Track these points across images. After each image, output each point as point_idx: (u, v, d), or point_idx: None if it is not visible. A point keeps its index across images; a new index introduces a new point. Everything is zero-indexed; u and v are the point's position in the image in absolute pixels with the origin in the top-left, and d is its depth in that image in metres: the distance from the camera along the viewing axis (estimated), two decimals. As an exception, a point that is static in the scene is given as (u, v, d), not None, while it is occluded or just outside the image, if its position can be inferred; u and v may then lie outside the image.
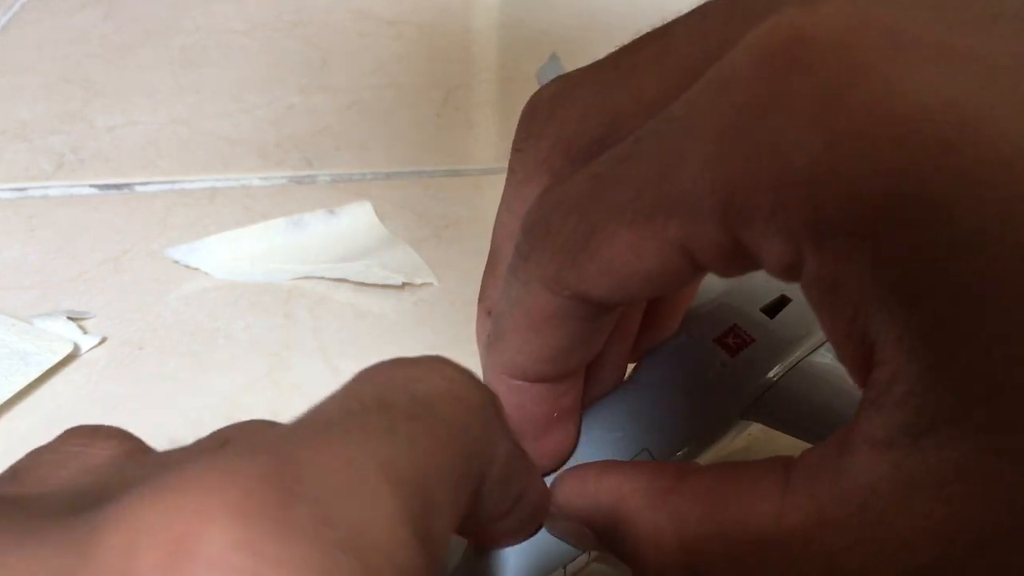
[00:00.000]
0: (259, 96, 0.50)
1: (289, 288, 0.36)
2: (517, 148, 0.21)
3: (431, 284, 0.36)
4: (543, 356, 0.20)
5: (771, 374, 0.24)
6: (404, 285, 0.36)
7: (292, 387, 0.32)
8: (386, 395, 0.15)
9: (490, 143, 0.45)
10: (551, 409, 0.22)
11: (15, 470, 0.15)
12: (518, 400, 0.21)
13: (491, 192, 0.42)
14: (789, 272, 0.16)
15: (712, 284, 0.27)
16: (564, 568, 0.22)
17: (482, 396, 0.16)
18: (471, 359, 0.34)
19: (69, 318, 0.34)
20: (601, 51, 0.20)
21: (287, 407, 0.31)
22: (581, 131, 0.20)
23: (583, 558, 0.23)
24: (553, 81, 0.21)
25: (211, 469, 0.11)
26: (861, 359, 0.16)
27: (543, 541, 0.22)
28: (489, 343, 0.22)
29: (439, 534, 0.14)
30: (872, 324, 0.15)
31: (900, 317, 0.15)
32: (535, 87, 0.21)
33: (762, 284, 0.26)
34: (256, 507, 0.11)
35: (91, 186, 0.43)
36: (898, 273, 0.14)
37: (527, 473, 0.18)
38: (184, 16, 0.58)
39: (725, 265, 0.17)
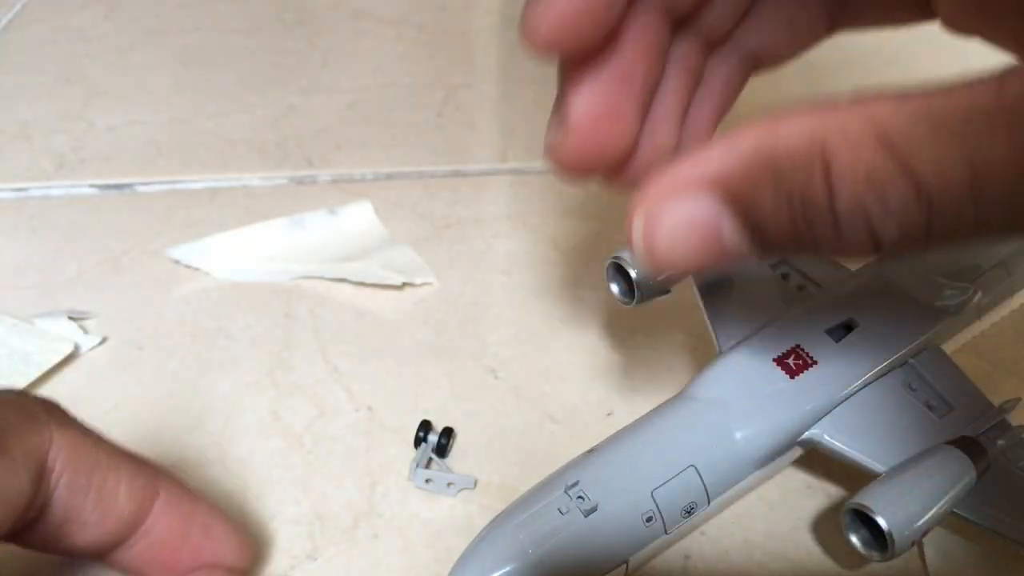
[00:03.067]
0: (259, 96, 0.50)
1: (289, 288, 0.36)
2: None
3: (431, 284, 0.36)
4: None
5: (830, 401, 0.24)
6: (404, 285, 0.36)
7: (292, 387, 0.32)
8: None
9: (490, 143, 0.45)
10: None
11: None
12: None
13: (491, 192, 0.42)
14: None
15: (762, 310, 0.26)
16: (626, 564, 0.22)
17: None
18: (470, 359, 0.34)
19: (70, 318, 0.34)
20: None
21: (287, 407, 0.31)
22: None
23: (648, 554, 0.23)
24: None
25: None
26: None
27: (603, 535, 0.22)
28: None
29: None
30: None
31: None
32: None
33: (829, 305, 0.25)
34: None
35: (92, 186, 0.43)
36: None
37: (103, 470, 0.20)
38: (184, 16, 0.58)
39: None
